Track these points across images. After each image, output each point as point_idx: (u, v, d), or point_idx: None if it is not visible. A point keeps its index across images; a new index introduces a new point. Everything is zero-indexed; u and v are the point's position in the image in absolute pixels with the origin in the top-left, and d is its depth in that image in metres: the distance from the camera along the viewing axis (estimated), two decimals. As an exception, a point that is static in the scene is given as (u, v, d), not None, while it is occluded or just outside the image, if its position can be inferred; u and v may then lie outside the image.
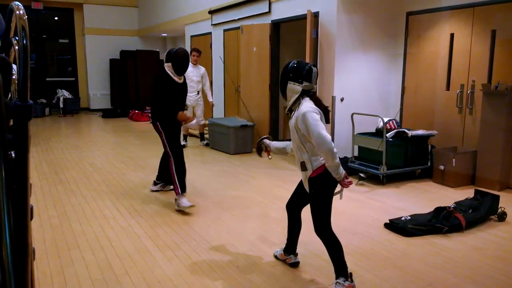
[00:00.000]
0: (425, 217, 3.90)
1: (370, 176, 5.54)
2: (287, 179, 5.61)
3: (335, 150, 2.51)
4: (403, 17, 6.38)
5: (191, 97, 7.35)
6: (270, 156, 3.25)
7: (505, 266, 3.19)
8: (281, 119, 8.01)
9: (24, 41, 1.10)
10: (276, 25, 7.40)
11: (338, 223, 4.05)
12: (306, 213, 2.97)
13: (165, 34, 13.93)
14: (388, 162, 5.31)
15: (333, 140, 6.21)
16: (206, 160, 6.89)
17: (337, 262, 2.71)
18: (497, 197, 4.15)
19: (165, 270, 3.11)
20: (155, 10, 12.82)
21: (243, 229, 3.85)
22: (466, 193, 4.83)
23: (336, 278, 2.70)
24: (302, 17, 6.52)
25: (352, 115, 5.76)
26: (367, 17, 6.30)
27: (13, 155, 1.08)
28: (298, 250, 3.18)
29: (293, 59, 2.80)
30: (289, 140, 2.92)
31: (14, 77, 1.28)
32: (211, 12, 9.27)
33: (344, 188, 2.70)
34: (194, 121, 4.85)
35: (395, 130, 5.54)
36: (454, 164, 5.22)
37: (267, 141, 3.16)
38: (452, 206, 4.06)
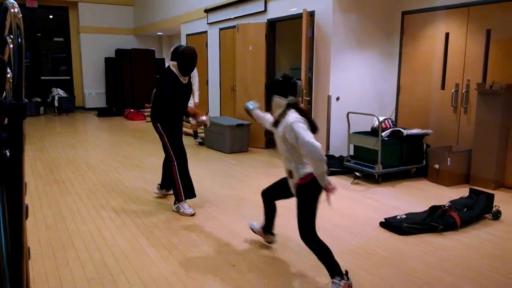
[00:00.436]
0: (420, 216, 3.91)
1: (366, 175, 5.56)
2: (283, 178, 5.61)
3: (324, 157, 2.58)
4: (399, 16, 6.40)
5: None
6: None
7: (500, 264, 3.21)
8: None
9: (19, 40, 1.09)
10: (272, 24, 7.40)
11: (333, 222, 4.07)
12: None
13: (161, 33, 13.90)
14: (383, 161, 5.33)
15: (328, 139, 6.27)
16: (202, 159, 6.89)
17: (328, 265, 2.73)
18: (492, 196, 4.18)
19: (161, 269, 3.10)
20: (150, 9, 12.78)
21: (239, 228, 3.85)
22: (461, 192, 4.85)
23: (332, 278, 2.71)
24: (298, 16, 6.53)
25: (347, 114, 5.77)
26: (362, 16, 6.32)
27: (8, 154, 1.08)
28: (293, 247, 3.19)
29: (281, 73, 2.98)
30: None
31: (8, 75, 1.27)
32: (207, 10, 9.25)
33: (331, 195, 2.72)
34: (205, 117, 4.31)
35: (391, 129, 5.55)
36: (449, 163, 5.24)
37: (254, 103, 3.34)
38: (447, 205, 4.09)
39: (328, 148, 6.30)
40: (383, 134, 5.43)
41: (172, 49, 4.24)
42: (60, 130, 10.15)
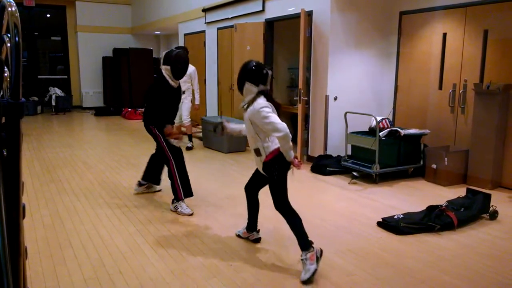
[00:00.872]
0: (417, 216, 3.92)
1: (363, 175, 5.57)
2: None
3: (289, 134, 2.89)
4: (396, 16, 6.41)
5: None
6: (223, 135, 3.72)
7: (497, 264, 3.22)
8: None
9: (16, 39, 1.09)
10: (270, 24, 7.40)
11: (331, 221, 4.07)
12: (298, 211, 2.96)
13: (159, 32, 13.88)
14: (381, 161, 5.33)
15: (326, 139, 6.29)
16: (199, 159, 6.88)
17: (299, 234, 2.99)
18: (489, 195, 4.19)
19: (158, 268, 3.10)
20: (148, 8, 12.76)
21: (236, 228, 3.85)
22: (458, 191, 4.86)
23: (302, 251, 2.94)
24: (296, 16, 6.52)
25: (345, 114, 5.78)
26: (360, 16, 6.32)
27: (5, 153, 1.07)
28: (287, 244, 3.19)
29: (252, 60, 3.16)
30: None
31: (6, 74, 1.26)
32: (205, 10, 9.24)
33: (298, 169, 3.14)
34: (175, 140, 4.31)
35: (388, 129, 5.56)
36: (446, 163, 5.26)
37: (225, 122, 3.56)
38: (444, 204, 4.09)
39: (325, 148, 6.31)
40: (380, 134, 5.44)
41: (164, 53, 4.32)
42: (58, 129, 10.12)
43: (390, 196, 4.90)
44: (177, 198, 4.29)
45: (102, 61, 13.96)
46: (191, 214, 4.22)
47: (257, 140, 3.09)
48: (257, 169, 3.34)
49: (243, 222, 3.74)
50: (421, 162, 5.72)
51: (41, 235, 3.70)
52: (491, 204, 4.17)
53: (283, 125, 2.87)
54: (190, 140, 7.72)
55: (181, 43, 10.82)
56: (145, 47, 13.97)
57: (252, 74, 3.05)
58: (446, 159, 5.25)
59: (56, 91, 13.16)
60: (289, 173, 3.12)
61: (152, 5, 12.47)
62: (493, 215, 4.15)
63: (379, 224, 3.96)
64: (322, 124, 6.31)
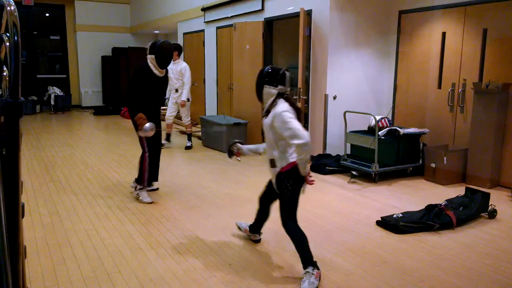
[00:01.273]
0: (416, 215, 3.93)
1: (362, 174, 5.57)
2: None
3: (309, 145, 2.72)
4: (396, 15, 6.41)
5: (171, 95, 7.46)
6: (239, 158, 3.51)
7: (495, 262, 3.23)
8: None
9: (15, 38, 1.09)
10: (269, 23, 7.40)
11: (330, 220, 4.08)
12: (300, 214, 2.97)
13: (158, 31, 13.86)
14: (380, 160, 5.34)
15: (325, 138, 6.28)
16: (199, 158, 6.88)
17: (303, 254, 2.89)
18: (488, 194, 4.20)
19: (158, 268, 3.10)
20: (147, 7, 12.75)
21: (236, 227, 3.85)
22: (457, 190, 4.87)
23: (305, 268, 2.84)
24: (295, 15, 6.52)
25: (344, 113, 5.78)
26: (359, 15, 6.32)
27: (4, 152, 1.07)
28: (288, 244, 3.19)
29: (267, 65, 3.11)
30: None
31: (5, 74, 1.26)
32: (204, 9, 9.24)
33: (310, 185, 2.94)
34: (147, 125, 4.29)
35: (387, 128, 5.57)
36: (445, 162, 5.26)
37: (239, 144, 3.45)
38: (443, 203, 4.10)
39: (325, 147, 6.31)
40: (379, 133, 5.44)
41: (149, 44, 4.49)
42: (57, 128, 10.11)
43: (389, 195, 4.91)
44: (140, 184, 4.57)
45: (101, 60, 13.95)
46: (151, 203, 4.43)
47: (275, 149, 2.96)
48: (270, 180, 3.21)
49: (244, 221, 3.74)
50: (420, 161, 5.73)
51: (40, 234, 3.70)
52: (490, 203, 4.17)
53: (304, 133, 2.72)
54: (189, 139, 7.72)
55: (180, 42, 10.80)
56: (144, 46, 13.94)
57: (269, 77, 2.96)
58: (445, 158, 5.26)
59: (55, 90, 13.14)
60: (301, 190, 2.97)
61: (151, 4, 12.46)
62: (492, 214, 4.15)
63: (378, 223, 3.96)
64: (321, 123, 6.31)
